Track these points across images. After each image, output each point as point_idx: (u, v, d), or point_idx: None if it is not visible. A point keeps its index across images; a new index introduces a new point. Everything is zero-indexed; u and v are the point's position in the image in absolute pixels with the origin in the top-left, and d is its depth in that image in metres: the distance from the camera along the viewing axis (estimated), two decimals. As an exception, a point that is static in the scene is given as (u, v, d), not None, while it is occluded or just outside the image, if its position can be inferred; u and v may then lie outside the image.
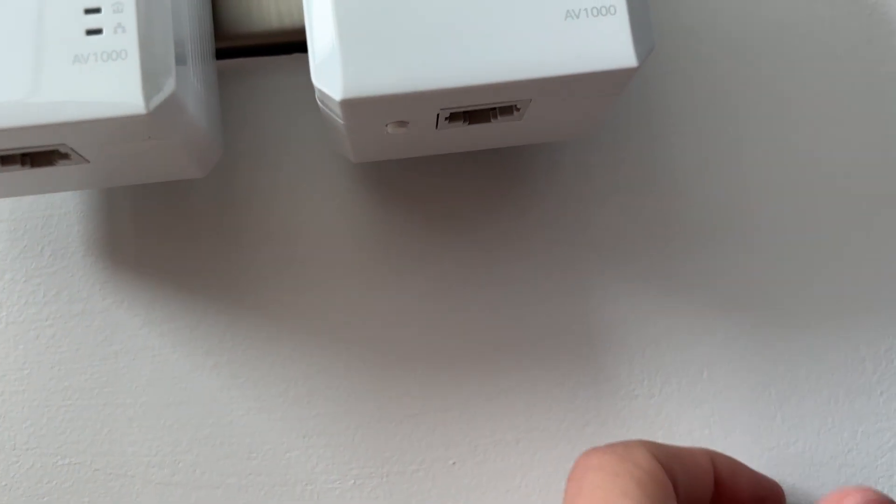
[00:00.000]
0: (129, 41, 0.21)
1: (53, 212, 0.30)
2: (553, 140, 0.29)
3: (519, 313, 0.30)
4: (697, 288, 0.30)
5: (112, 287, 0.30)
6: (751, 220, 0.31)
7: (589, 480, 0.24)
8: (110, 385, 0.29)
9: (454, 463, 0.29)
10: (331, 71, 0.22)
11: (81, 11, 0.21)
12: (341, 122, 0.23)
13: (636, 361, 0.30)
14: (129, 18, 0.21)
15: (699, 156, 0.31)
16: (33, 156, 0.23)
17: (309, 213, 0.30)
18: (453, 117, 0.24)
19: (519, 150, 0.31)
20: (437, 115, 0.24)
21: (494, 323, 0.30)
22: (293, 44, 0.30)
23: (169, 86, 0.22)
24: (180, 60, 0.23)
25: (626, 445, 0.25)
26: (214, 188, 0.30)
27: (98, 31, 0.21)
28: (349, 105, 0.22)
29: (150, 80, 0.21)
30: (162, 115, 0.22)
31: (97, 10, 0.21)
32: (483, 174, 0.31)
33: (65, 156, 0.23)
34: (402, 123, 0.24)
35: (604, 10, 0.22)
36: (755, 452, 0.30)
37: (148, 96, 0.21)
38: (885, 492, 0.28)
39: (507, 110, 0.24)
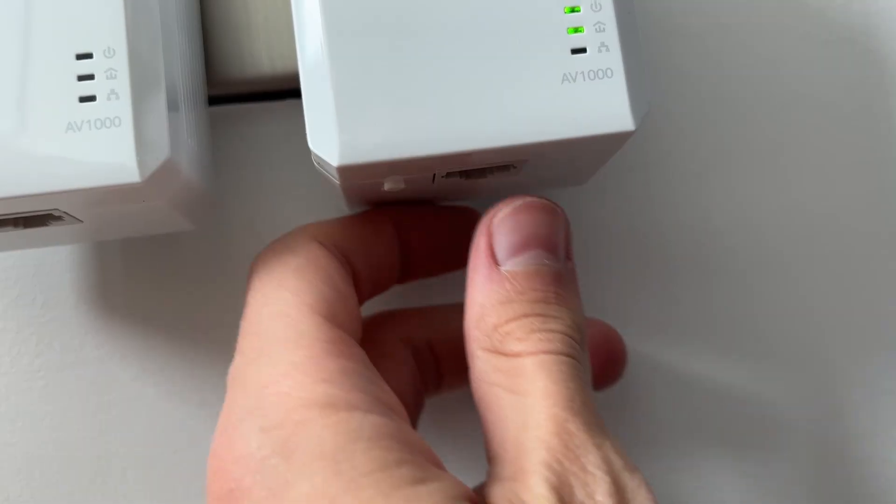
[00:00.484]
0: (122, 108, 0.21)
1: (45, 260, 0.30)
2: (549, 188, 0.29)
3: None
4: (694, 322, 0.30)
5: (105, 336, 0.29)
6: (741, 254, 0.31)
7: (251, 286, 0.23)
8: (104, 436, 0.29)
9: None
10: (327, 136, 0.21)
11: (75, 78, 0.21)
12: (337, 182, 0.23)
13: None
14: (123, 85, 0.21)
15: (699, 205, 0.31)
16: (27, 219, 0.23)
17: (303, 260, 0.30)
18: (450, 174, 0.24)
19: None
20: (434, 173, 0.24)
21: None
22: (285, 91, 0.30)
23: (163, 152, 0.22)
24: (174, 119, 0.23)
25: (287, 235, 0.24)
26: (207, 236, 0.30)
27: (91, 98, 0.21)
28: (346, 170, 0.22)
29: (144, 147, 0.21)
30: (157, 182, 0.22)
31: (90, 77, 0.21)
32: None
33: (58, 218, 0.23)
34: (399, 181, 0.24)
35: (601, 74, 0.22)
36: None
37: (143, 164, 0.21)
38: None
39: (504, 167, 0.24)
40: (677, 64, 0.31)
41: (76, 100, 0.21)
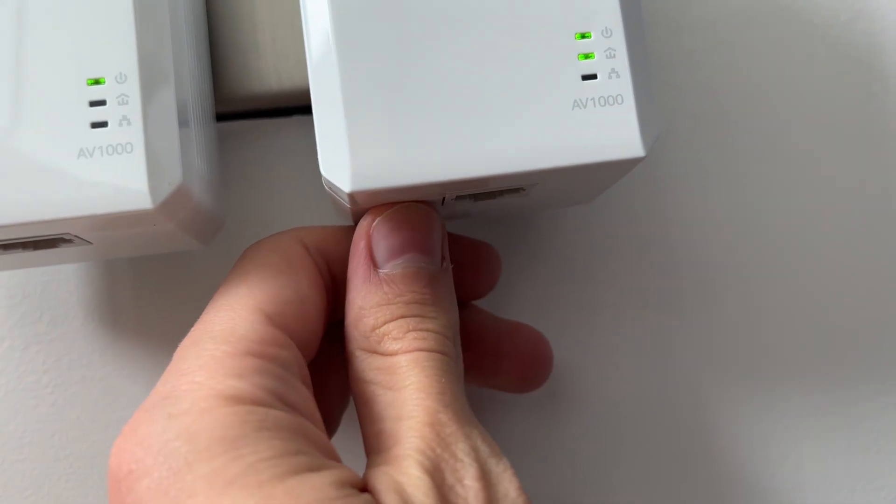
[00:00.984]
0: (134, 134, 0.21)
1: (52, 277, 0.30)
2: (559, 207, 0.29)
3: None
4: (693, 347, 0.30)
5: (112, 353, 0.29)
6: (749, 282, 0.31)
7: (227, 275, 0.24)
8: (112, 453, 0.29)
9: None
10: (339, 162, 0.21)
11: (86, 104, 0.21)
12: (348, 207, 0.23)
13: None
14: (135, 111, 0.21)
15: (705, 219, 0.31)
16: (37, 242, 0.23)
17: (310, 277, 0.30)
18: (459, 196, 0.24)
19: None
20: (445, 196, 0.24)
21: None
22: (294, 107, 0.30)
23: (176, 178, 0.22)
24: (185, 143, 0.23)
25: (278, 233, 0.25)
26: (215, 253, 0.30)
27: (103, 125, 0.21)
28: (358, 196, 0.22)
29: (156, 173, 0.21)
30: (169, 207, 0.22)
31: (102, 103, 0.21)
32: (484, 233, 0.31)
33: (68, 241, 0.23)
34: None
35: (611, 100, 0.22)
36: None
37: (155, 190, 0.21)
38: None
39: (514, 190, 0.24)
40: (682, 82, 0.31)
41: (88, 126, 0.21)
